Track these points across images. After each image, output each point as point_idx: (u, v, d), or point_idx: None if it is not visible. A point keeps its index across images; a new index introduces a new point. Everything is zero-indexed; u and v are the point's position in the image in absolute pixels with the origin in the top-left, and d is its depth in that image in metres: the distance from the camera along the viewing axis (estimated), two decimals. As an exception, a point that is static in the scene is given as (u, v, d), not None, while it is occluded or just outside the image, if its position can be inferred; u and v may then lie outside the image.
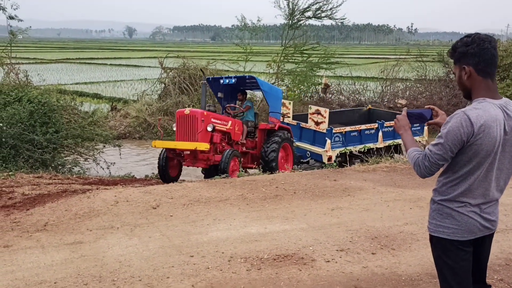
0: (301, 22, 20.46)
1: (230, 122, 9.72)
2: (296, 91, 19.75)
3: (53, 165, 9.62)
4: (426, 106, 2.63)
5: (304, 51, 20.01)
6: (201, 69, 10.48)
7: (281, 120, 11.35)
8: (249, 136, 10.53)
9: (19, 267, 3.99)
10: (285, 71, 20.04)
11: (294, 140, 11.04)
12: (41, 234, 4.77)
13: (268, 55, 24.76)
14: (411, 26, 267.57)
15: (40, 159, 9.25)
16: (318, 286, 3.77)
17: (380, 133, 11.98)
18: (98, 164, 10.51)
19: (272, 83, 19.87)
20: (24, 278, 3.77)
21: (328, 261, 4.23)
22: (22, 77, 13.75)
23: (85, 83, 29.39)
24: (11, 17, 15.98)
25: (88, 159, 10.84)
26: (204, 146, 8.70)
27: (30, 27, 16.36)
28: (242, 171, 9.11)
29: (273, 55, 20.90)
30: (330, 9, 19.99)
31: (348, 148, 11.54)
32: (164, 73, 19.76)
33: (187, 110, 9.10)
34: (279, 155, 10.08)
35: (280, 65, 19.95)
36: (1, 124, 9.02)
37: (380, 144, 12.00)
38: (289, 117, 12.32)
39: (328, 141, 11.18)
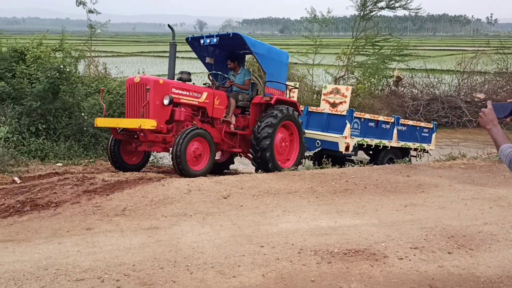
0: (373, 13, 19.95)
1: (205, 94, 7.67)
2: (367, 84, 19.30)
3: (129, 153, 10.07)
4: (508, 100, 2.46)
5: (376, 43, 19.49)
6: (168, 25, 8.53)
7: (287, 93, 8.86)
8: (243, 113, 8.47)
9: (100, 249, 4.22)
10: (356, 63, 19.63)
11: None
12: (120, 218, 5.02)
13: (338, 47, 24.35)
14: (491, 17, 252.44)
15: (117, 148, 9.71)
16: (390, 283, 3.68)
17: (395, 130, 10.67)
18: (171, 154, 10.80)
19: (342, 76, 19.55)
20: (105, 260, 3.98)
21: (401, 259, 4.12)
22: (101, 69, 14.46)
23: (159, 75, 30.36)
24: (90, 11, 16.78)
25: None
26: (150, 123, 6.80)
27: (110, 20, 17.08)
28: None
29: (343, 47, 20.52)
30: (405, -2, 19.36)
31: (365, 140, 10.09)
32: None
33: (137, 78, 7.14)
34: (277, 135, 7.94)
35: (350, 57, 19.56)
36: (83, 114, 9.58)
37: (395, 142, 10.67)
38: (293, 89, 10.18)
39: (348, 125, 9.63)
